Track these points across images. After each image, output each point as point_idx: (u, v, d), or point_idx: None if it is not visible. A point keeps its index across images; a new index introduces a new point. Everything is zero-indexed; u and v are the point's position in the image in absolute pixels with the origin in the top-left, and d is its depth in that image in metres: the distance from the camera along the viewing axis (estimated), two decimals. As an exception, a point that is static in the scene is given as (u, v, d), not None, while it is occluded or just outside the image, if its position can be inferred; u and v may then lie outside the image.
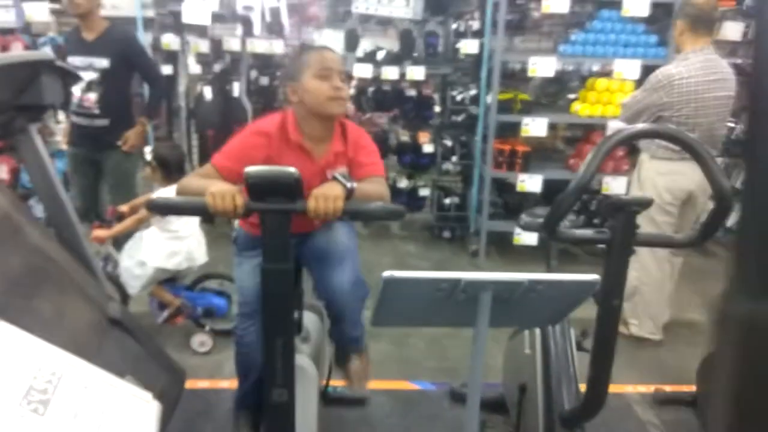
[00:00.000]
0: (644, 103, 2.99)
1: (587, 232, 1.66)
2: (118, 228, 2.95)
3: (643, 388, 2.91)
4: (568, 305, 1.43)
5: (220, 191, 1.45)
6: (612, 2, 4.05)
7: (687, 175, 2.97)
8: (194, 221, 3.08)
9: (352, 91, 4.48)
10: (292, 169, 1.44)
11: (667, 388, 2.84)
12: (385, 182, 1.89)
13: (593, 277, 1.32)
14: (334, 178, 1.54)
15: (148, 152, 2.98)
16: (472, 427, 1.58)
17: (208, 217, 1.54)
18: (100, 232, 2.91)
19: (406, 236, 5.01)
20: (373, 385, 2.81)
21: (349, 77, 1.85)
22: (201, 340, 3.07)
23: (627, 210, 1.56)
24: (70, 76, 2.22)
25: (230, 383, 2.72)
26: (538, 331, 2.26)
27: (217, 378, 2.86)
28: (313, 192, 1.48)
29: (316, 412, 2.07)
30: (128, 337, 2.13)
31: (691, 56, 2.96)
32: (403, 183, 4.77)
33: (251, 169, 1.44)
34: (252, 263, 1.91)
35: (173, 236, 2.97)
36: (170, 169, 2.98)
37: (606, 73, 4.31)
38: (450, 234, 4.81)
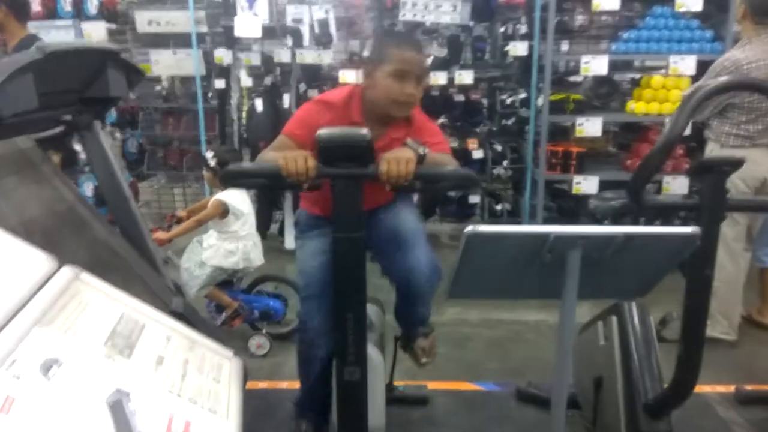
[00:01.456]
0: (710, 89, 2.87)
1: (675, 197, 1.56)
2: (177, 230, 2.98)
3: (722, 389, 2.73)
4: (663, 265, 1.33)
5: (292, 155, 1.43)
6: (664, -3, 3.97)
7: (760, 163, 2.82)
8: (251, 223, 3.10)
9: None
10: (364, 131, 1.41)
11: (749, 388, 2.66)
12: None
13: (693, 228, 1.23)
14: (405, 144, 1.50)
15: (209, 157, 3.02)
16: (560, 411, 1.47)
17: (280, 185, 1.51)
18: (160, 234, 2.94)
19: (457, 246, 4.91)
20: (434, 385, 2.72)
21: (425, 79, 1.77)
22: (258, 343, 3.05)
23: (717, 171, 1.47)
24: (134, 72, 2.26)
25: (289, 384, 2.67)
26: (614, 320, 2.15)
27: (275, 380, 2.83)
28: (385, 155, 1.44)
29: (384, 400, 2.00)
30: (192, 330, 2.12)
31: (755, 41, 2.85)
32: (453, 191, 4.70)
33: (323, 131, 1.42)
34: (315, 243, 1.88)
35: (231, 236, 2.99)
36: None
37: (659, 70, 4.21)
38: (502, 242, 4.69)
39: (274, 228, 4.95)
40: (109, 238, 2.20)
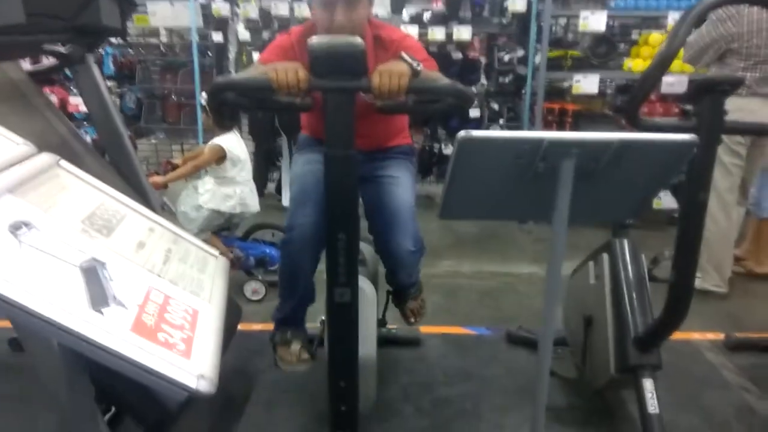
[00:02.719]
0: (711, 37, 2.84)
1: (671, 120, 1.54)
2: (175, 174, 2.96)
3: (712, 336, 2.75)
4: (659, 178, 1.31)
5: (283, 66, 1.40)
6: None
7: (756, 113, 2.80)
8: (248, 169, 3.09)
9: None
10: (358, 39, 1.38)
11: (738, 335, 2.68)
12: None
13: (689, 136, 1.21)
14: (400, 57, 1.47)
15: (203, 98, 2.99)
16: (548, 338, 1.46)
17: (271, 102, 1.48)
18: (156, 178, 2.92)
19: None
20: (426, 329, 2.74)
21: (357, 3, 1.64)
22: (254, 288, 3.07)
23: (716, 91, 1.45)
24: (127, 2, 2.20)
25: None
26: (605, 257, 2.15)
27: (270, 323, 2.83)
28: (378, 68, 1.42)
29: (376, 333, 2.00)
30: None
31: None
32: (450, 149, 4.68)
33: (315, 39, 1.39)
34: (309, 155, 1.88)
35: (228, 181, 3.00)
36: (223, 116, 2.99)
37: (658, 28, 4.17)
38: (498, 201, 4.69)
39: (271, 187, 4.93)
40: (103, 174, 2.18)
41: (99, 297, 0.77)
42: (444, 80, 1.53)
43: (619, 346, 1.98)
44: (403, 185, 1.89)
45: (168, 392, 0.72)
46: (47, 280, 0.74)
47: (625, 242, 2.12)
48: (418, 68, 1.45)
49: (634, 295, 2.02)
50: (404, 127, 2.07)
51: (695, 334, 2.75)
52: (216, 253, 1.20)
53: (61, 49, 2.17)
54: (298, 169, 1.90)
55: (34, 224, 0.80)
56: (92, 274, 0.79)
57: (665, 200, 3.84)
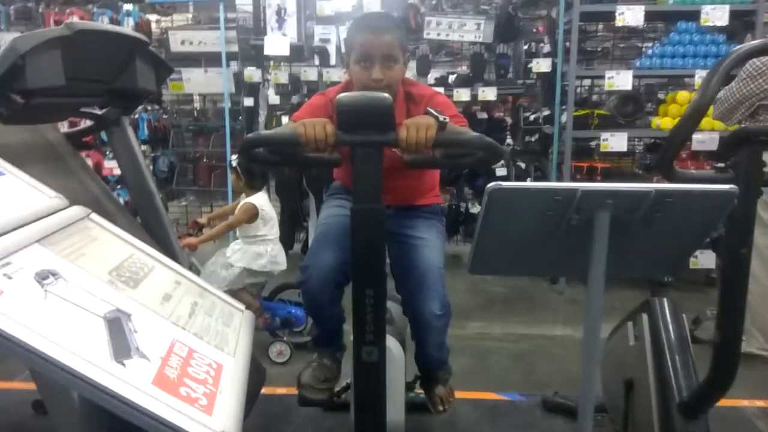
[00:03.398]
0: (742, 93, 2.81)
1: (707, 172, 1.50)
2: (208, 234, 2.99)
3: (761, 403, 2.58)
4: (697, 233, 1.27)
5: (310, 121, 1.42)
6: (689, 12, 3.95)
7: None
8: (277, 228, 3.11)
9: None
10: (384, 94, 1.39)
11: (790, 403, 2.52)
12: None
13: (729, 186, 1.17)
14: (426, 112, 1.47)
15: (233, 160, 3.06)
16: (588, 404, 1.39)
17: (300, 160, 1.49)
18: (190, 240, 2.94)
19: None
20: (456, 394, 2.62)
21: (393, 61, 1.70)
22: (279, 350, 3.02)
23: (754, 141, 1.41)
24: (162, 67, 2.28)
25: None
26: (645, 318, 2.05)
27: (294, 386, 2.76)
28: (405, 121, 1.42)
29: (404, 397, 1.92)
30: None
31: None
32: (476, 208, 4.66)
33: (343, 96, 1.40)
34: (338, 201, 1.88)
35: (258, 240, 3.02)
36: (254, 176, 3.04)
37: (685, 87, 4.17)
38: (527, 261, 4.61)
39: (297, 248, 4.94)
40: (133, 232, 2.20)
41: (122, 348, 0.75)
42: (471, 133, 1.52)
43: (663, 412, 1.86)
44: (432, 247, 1.87)
45: (188, 450, 0.68)
46: (71, 330, 0.72)
47: (665, 301, 2.03)
48: (445, 121, 1.45)
49: (677, 357, 1.92)
50: (434, 186, 2.06)
51: (743, 401, 2.58)
52: (242, 307, 1.17)
53: (98, 111, 2.25)
54: (324, 213, 1.93)
55: (61, 274, 0.79)
56: (116, 325, 0.77)
57: (702, 259, 3.72)
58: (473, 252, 1.37)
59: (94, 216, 1.07)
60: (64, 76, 1.60)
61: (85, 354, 0.69)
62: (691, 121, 1.39)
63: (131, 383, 0.68)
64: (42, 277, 0.76)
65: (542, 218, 1.24)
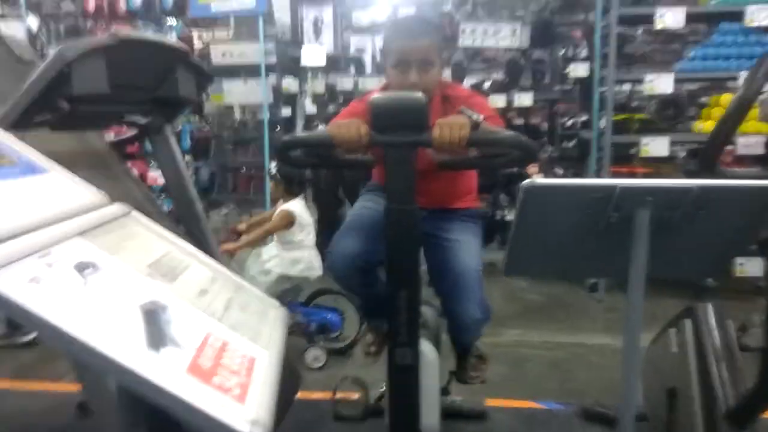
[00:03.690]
0: (788, 93, 2.72)
1: (752, 170, 1.45)
2: (246, 240, 3.04)
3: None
4: (741, 232, 1.22)
5: (344, 122, 1.44)
6: (732, 13, 3.84)
7: None
8: (313, 234, 3.14)
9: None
10: (418, 94, 1.39)
11: None
12: None
13: (778, 181, 1.12)
14: (460, 112, 1.47)
15: (272, 167, 3.11)
16: (629, 414, 1.36)
17: (334, 159, 1.50)
18: (229, 245, 2.99)
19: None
20: (492, 402, 2.59)
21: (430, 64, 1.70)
22: (315, 355, 3.04)
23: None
24: (203, 75, 2.33)
25: (344, 394, 2.60)
26: (688, 324, 1.99)
27: (330, 392, 2.76)
28: (438, 121, 1.42)
29: (439, 401, 1.90)
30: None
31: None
32: (512, 216, 4.60)
33: (376, 96, 1.41)
34: (374, 196, 1.89)
35: (295, 246, 3.05)
36: (292, 183, 3.08)
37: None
38: (565, 269, 4.52)
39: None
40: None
41: (158, 338, 0.76)
42: (505, 132, 1.51)
43: (709, 422, 1.80)
44: (468, 249, 1.85)
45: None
46: (108, 319, 0.74)
47: (709, 307, 1.96)
48: (478, 120, 1.44)
49: (723, 365, 1.85)
50: (472, 190, 2.05)
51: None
52: (276, 304, 1.19)
53: (142, 120, 2.31)
54: (358, 205, 1.96)
55: (100, 266, 0.82)
56: (153, 316, 0.79)
57: (749, 267, 3.57)
58: (508, 254, 1.35)
59: (135, 213, 1.11)
60: (108, 84, 1.66)
61: (121, 341, 0.70)
62: (735, 117, 1.35)
63: (166, 370, 0.70)
64: (82, 267, 0.78)
65: (579, 217, 1.21)
